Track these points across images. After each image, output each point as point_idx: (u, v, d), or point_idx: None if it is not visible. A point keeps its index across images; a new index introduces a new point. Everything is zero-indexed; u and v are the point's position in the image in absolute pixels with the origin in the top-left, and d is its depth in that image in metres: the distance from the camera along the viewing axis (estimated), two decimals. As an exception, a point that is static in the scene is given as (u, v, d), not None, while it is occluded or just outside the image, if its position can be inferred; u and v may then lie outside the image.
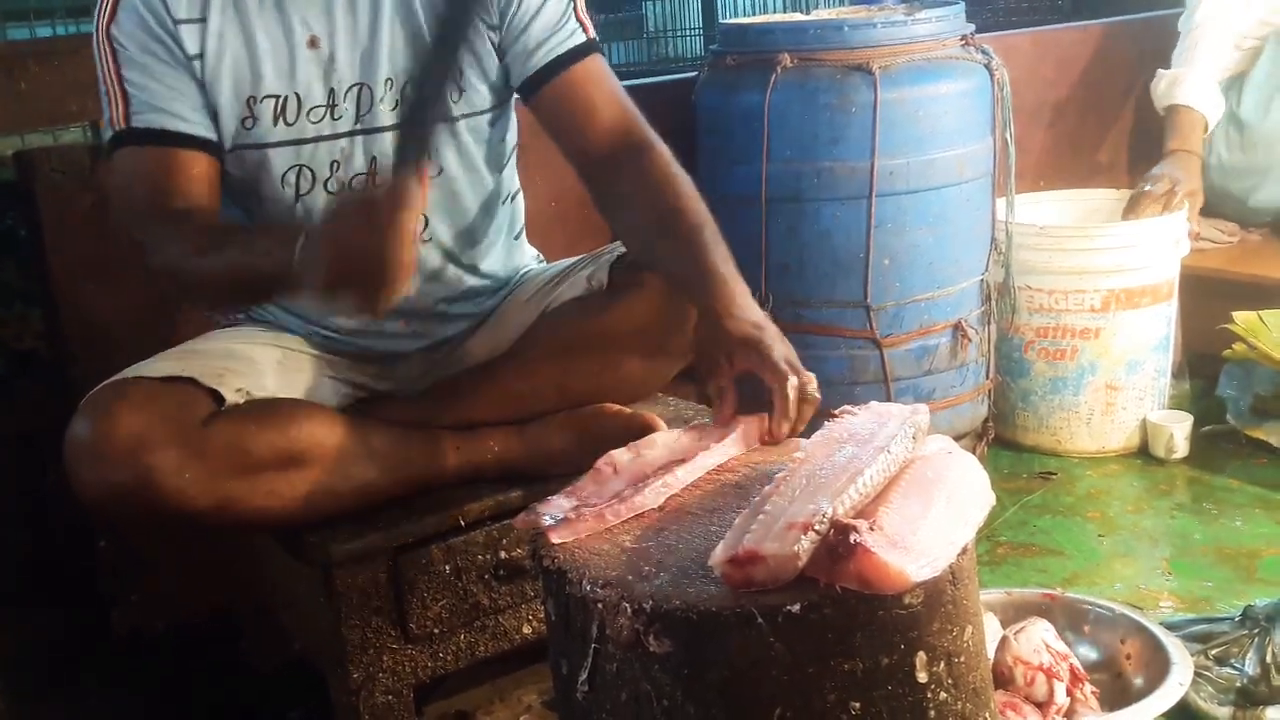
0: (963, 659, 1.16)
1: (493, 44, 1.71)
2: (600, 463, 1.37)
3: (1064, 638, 1.75)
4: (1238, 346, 2.69)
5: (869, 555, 1.05)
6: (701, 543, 1.20)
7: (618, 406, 1.73)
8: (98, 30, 1.59)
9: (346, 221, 1.35)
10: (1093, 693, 1.69)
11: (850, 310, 2.48)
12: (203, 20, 1.60)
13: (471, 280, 1.83)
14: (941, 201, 2.48)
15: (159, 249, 1.56)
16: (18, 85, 2.76)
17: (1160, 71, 3.25)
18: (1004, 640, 1.71)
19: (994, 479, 1.30)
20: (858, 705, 1.09)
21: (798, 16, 3.03)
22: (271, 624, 1.94)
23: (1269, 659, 1.74)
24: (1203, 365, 2.96)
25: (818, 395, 1.41)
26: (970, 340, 2.57)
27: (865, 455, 1.22)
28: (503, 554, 1.67)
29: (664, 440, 1.43)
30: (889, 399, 2.39)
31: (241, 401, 1.57)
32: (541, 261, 1.99)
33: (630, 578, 1.15)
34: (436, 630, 1.65)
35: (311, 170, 1.66)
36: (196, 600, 2.12)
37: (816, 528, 1.09)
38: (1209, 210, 3.17)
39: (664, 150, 1.67)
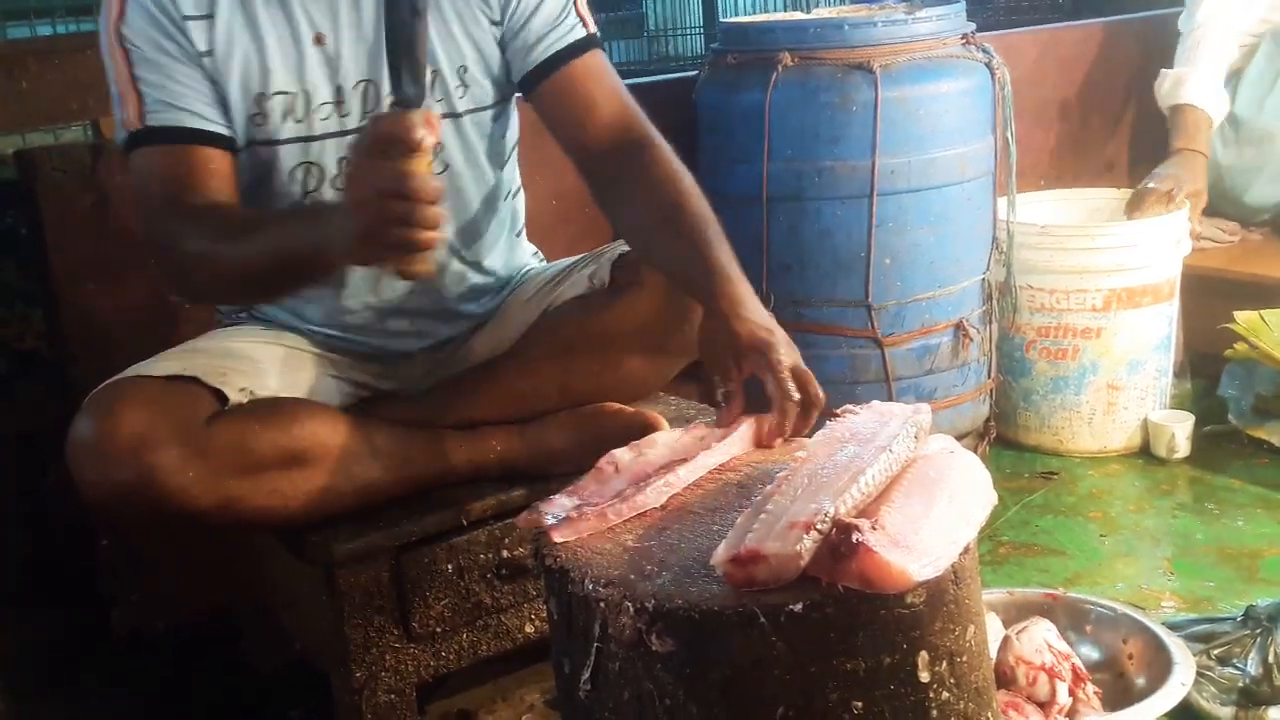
0: (965, 658, 1.16)
1: (495, 39, 1.71)
2: (602, 462, 1.37)
3: (1066, 637, 1.75)
4: (1239, 346, 2.69)
5: (871, 554, 1.05)
6: (704, 542, 1.20)
7: (619, 405, 1.73)
8: (107, 29, 1.56)
9: (364, 163, 1.31)
10: (1095, 693, 1.69)
11: (851, 309, 2.48)
12: (210, 16, 1.58)
13: (474, 277, 1.82)
14: (943, 201, 2.48)
15: (187, 245, 1.52)
16: (18, 84, 2.75)
17: (1164, 71, 3.23)
18: (1006, 640, 1.71)
19: (995, 478, 1.30)
20: (860, 705, 1.09)
21: (798, 15, 3.03)
22: (272, 624, 1.94)
23: (1271, 659, 1.74)
24: (1204, 365, 2.96)
25: (822, 402, 1.41)
26: (972, 340, 2.57)
27: (867, 454, 1.22)
28: (505, 553, 1.67)
29: (666, 439, 1.43)
30: (890, 398, 2.38)
31: (245, 401, 1.57)
32: (540, 259, 1.98)
33: (632, 577, 1.15)
34: (439, 629, 1.65)
35: (320, 167, 1.66)
36: (196, 600, 2.11)
37: (819, 527, 1.09)
38: (1210, 209, 3.16)
39: (665, 146, 1.66)
